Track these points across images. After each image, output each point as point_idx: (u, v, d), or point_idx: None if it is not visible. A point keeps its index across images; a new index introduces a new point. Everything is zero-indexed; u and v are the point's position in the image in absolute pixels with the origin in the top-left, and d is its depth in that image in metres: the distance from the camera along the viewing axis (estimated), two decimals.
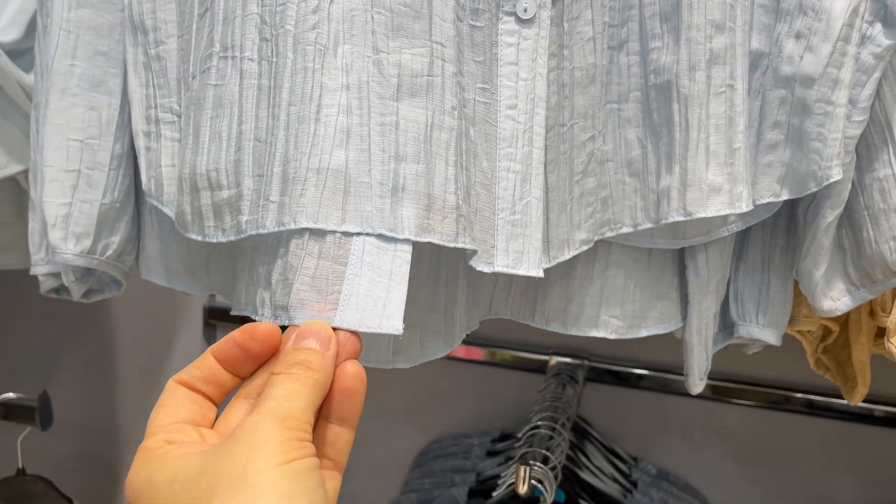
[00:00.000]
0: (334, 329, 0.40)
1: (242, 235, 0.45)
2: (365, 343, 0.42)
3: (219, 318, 1.10)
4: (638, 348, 0.95)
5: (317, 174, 0.43)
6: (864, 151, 0.53)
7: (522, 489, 0.69)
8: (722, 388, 0.93)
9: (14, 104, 0.68)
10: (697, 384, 0.60)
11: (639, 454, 0.98)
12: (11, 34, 0.66)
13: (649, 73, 0.51)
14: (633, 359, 0.96)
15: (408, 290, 0.43)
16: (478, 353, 1.01)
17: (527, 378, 0.99)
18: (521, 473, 0.69)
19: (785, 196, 0.53)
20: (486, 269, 0.46)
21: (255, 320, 0.43)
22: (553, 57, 0.49)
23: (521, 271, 0.47)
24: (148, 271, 0.61)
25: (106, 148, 0.56)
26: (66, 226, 0.56)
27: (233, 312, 0.52)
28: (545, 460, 0.74)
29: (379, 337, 0.51)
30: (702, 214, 0.50)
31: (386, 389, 1.06)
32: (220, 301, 1.10)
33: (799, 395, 0.91)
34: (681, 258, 0.58)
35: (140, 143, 0.54)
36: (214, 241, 0.47)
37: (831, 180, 0.50)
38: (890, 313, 0.55)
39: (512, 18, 0.47)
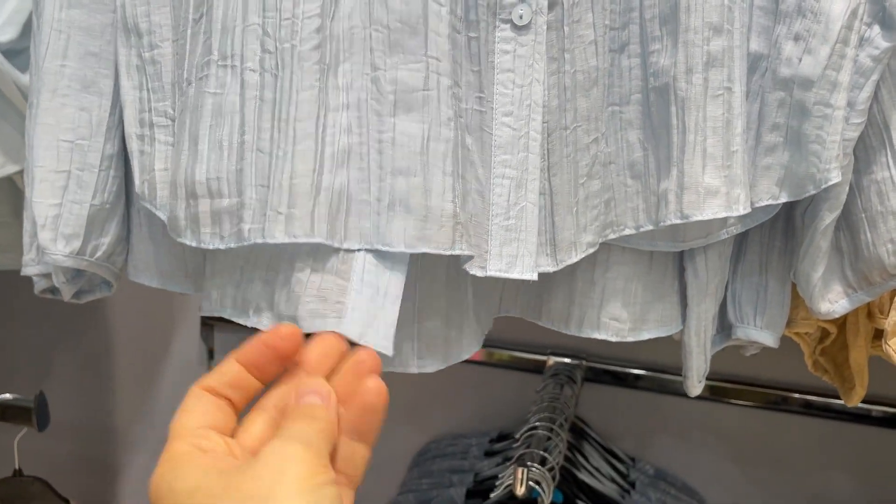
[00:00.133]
0: (352, 343, 0.41)
1: (244, 243, 0.46)
2: (386, 325, 0.46)
3: (216, 318, 1.09)
4: (636, 349, 0.95)
5: (321, 192, 0.46)
6: (862, 154, 0.53)
7: (520, 491, 0.69)
8: (720, 389, 0.93)
9: (10, 104, 0.68)
10: (696, 386, 0.60)
11: (637, 454, 0.98)
12: (8, 34, 0.66)
13: (649, 76, 0.51)
14: (630, 359, 0.96)
15: (428, 295, 0.49)
16: (476, 354, 1.00)
17: (525, 378, 0.99)
18: (519, 475, 0.69)
19: (784, 199, 0.53)
20: (480, 273, 0.48)
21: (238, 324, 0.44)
22: (553, 61, 0.49)
23: (514, 275, 0.48)
24: (137, 273, 0.60)
25: (96, 149, 0.56)
26: (56, 227, 0.55)
27: (205, 313, 0.54)
28: (543, 461, 0.74)
29: (401, 342, 0.52)
30: (698, 217, 0.50)
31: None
32: None
33: (797, 395, 0.91)
34: (681, 261, 0.58)
35: (133, 145, 0.54)
36: (211, 247, 0.48)
37: (830, 183, 0.50)
38: (888, 315, 0.55)
39: (508, 26, 0.47)
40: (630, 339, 0.58)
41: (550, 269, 0.51)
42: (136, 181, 0.54)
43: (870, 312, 0.60)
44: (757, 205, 0.53)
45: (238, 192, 0.47)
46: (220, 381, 0.39)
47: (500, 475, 0.76)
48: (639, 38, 0.51)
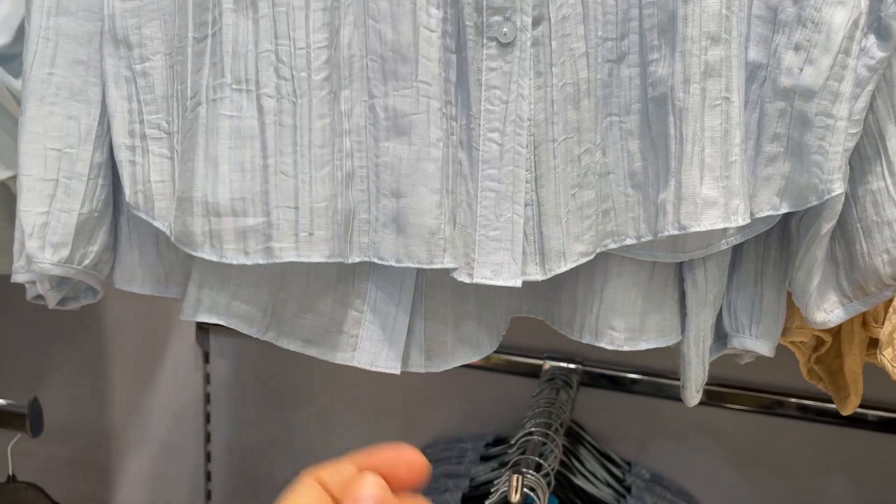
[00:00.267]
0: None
1: (275, 261, 0.50)
2: (395, 350, 0.54)
3: (212, 323, 1.09)
4: (632, 353, 0.95)
5: (337, 214, 0.50)
6: (858, 163, 0.53)
7: (515, 498, 0.69)
8: (716, 393, 0.93)
9: (4, 110, 0.68)
10: (694, 396, 0.60)
11: (633, 459, 0.98)
12: (0, 39, 0.66)
13: (648, 86, 0.51)
14: (627, 363, 0.96)
15: (435, 303, 0.55)
16: None
17: (521, 382, 0.99)
18: (514, 482, 0.69)
19: (784, 209, 0.52)
20: (467, 280, 0.51)
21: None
22: (539, 75, 0.50)
23: (499, 282, 0.51)
24: (123, 281, 0.61)
25: (85, 158, 0.56)
26: (44, 235, 0.56)
27: (187, 317, 0.56)
28: (538, 468, 0.74)
29: (409, 348, 0.57)
30: (696, 228, 0.49)
31: (380, 394, 1.06)
32: None
33: (793, 399, 0.91)
34: (680, 272, 0.58)
35: (122, 155, 0.55)
36: (234, 262, 0.51)
37: (833, 194, 0.50)
38: (882, 324, 0.55)
39: (494, 43, 0.49)
40: (626, 348, 0.59)
41: (539, 277, 0.52)
42: (127, 191, 0.55)
43: (864, 321, 0.60)
44: (757, 215, 0.53)
45: (265, 213, 0.50)
46: (334, 479, 0.38)
47: (495, 482, 0.75)
48: (638, 47, 0.51)
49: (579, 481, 0.89)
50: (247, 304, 0.56)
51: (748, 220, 0.51)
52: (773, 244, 0.59)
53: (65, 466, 1.17)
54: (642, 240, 0.53)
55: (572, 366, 0.96)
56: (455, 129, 0.50)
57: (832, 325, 0.56)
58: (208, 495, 1.15)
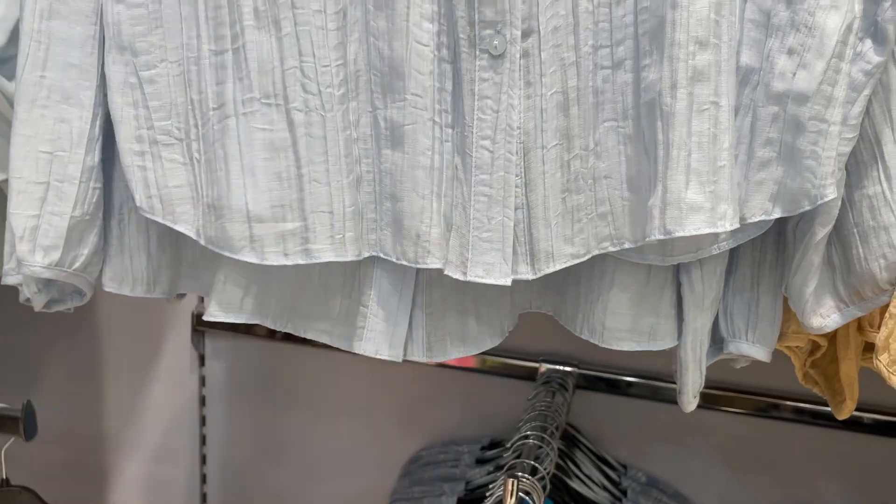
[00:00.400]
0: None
1: (314, 261, 0.55)
2: (397, 339, 0.59)
3: (207, 325, 1.09)
4: (628, 355, 0.94)
5: (357, 215, 0.55)
6: (854, 168, 0.53)
7: (510, 502, 0.69)
8: (712, 396, 0.93)
9: None
10: (691, 402, 0.60)
11: (629, 462, 0.98)
12: None
13: (641, 91, 0.51)
14: (623, 366, 0.96)
15: (434, 300, 0.59)
16: (468, 360, 1.00)
17: (517, 385, 0.99)
18: (509, 486, 0.69)
19: (777, 214, 0.53)
20: (461, 278, 0.54)
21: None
22: (529, 85, 0.52)
23: (490, 280, 0.54)
24: (112, 283, 0.61)
25: (77, 161, 0.56)
26: (34, 238, 0.56)
27: (214, 317, 0.60)
28: (533, 471, 0.74)
29: (412, 341, 0.60)
30: (680, 233, 0.50)
31: (376, 396, 1.06)
32: None
33: (789, 402, 0.91)
34: (678, 275, 0.58)
35: (130, 160, 0.56)
36: (275, 263, 0.55)
37: (826, 199, 0.50)
38: (878, 329, 0.55)
39: (486, 55, 0.51)
40: (617, 347, 0.60)
41: (529, 276, 0.55)
42: (139, 195, 0.56)
43: (860, 326, 0.60)
44: (750, 220, 0.53)
45: (302, 217, 0.54)
46: None
47: (490, 486, 0.75)
48: (633, 53, 0.51)
49: (575, 484, 0.88)
50: (270, 302, 0.60)
51: (736, 226, 0.51)
52: (770, 249, 0.59)
53: (59, 470, 1.17)
54: (638, 243, 0.54)
55: (568, 369, 0.96)
56: (450, 135, 0.53)
57: (829, 331, 0.56)
58: (203, 498, 1.15)
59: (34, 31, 0.54)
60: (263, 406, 1.11)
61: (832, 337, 0.63)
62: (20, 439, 0.83)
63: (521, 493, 0.70)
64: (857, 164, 0.53)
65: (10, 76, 0.66)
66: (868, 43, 0.49)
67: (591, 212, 0.55)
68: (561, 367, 0.96)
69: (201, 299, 1.09)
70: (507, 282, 0.54)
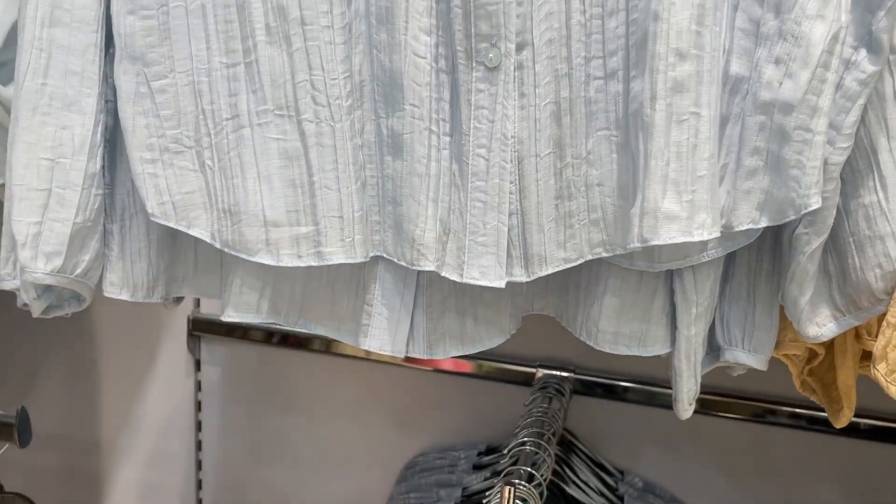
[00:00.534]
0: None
1: (326, 263, 0.58)
2: (400, 336, 0.62)
3: (203, 329, 1.09)
4: (625, 360, 0.95)
5: (364, 219, 0.58)
6: (850, 177, 0.53)
7: None
8: (709, 401, 0.93)
9: None
10: (686, 409, 0.60)
11: (625, 467, 0.98)
12: None
13: (629, 101, 0.52)
14: (620, 371, 0.96)
15: (434, 301, 0.61)
16: (464, 365, 1.00)
17: (513, 390, 0.98)
18: (506, 494, 0.69)
19: (764, 223, 0.53)
20: (457, 279, 0.56)
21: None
22: (523, 96, 0.54)
23: (485, 283, 0.56)
24: (114, 289, 0.62)
25: (79, 167, 0.57)
26: (36, 245, 0.56)
27: (230, 318, 0.62)
28: (530, 478, 0.74)
29: (414, 338, 0.63)
30: (655, 241, 0.51)
31: (372, 402, 1.06)
32: (205, 312, 1.09)
33: (785, 407, 0.91)
34: (671, 282, 0.58)
35: (141, 168, 0.57)
36: (290, 265, 0.58)
37: (809, 209, 0.51)
38: (876, 337, 0.55)
39: (482, 67, 0.53)
40: (616, 351, 0.61)
41: (523, 279, 0.57)
42: (151, 202, 0.58)
43: (858, 334, 0.60)
44: (737, 228, 0.54)
45: (314, 222, 0.57)
46: None
47: (487, 493, 0.75)
48: (625, 64, 0.52)
49: (572, 490, 0.88)
50: (282, 302, 0.63)
51: (715, 235, 0.52)
52: (766, 257, 0.59)
53: (54, 476, 1.16)
54: (626, 250, 0.55)
55: (565, 374, 0.96)
56: (447, 143, 0.55)
57: (825, 339, 0.56)
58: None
59: (36, 38, 0.55)
60: (259, 411, 1.11)
61: (830, 345, 0.63)
62: (14, 446, 0.82)
63: (518, 501, 0.70)
64: (854, 174, 0.53)
65: (6, 81, 0.65)
66: (863, 52, 0.49)
67: (583, 218, 0.56)
68: (558, 373, 0.96)
69: (197, 304, 1.09)
70: (502, 284, 0.56)
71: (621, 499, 0.93)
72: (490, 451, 0.98)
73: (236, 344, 1.09)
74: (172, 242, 0.63)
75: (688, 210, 0.51)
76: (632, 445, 0.98)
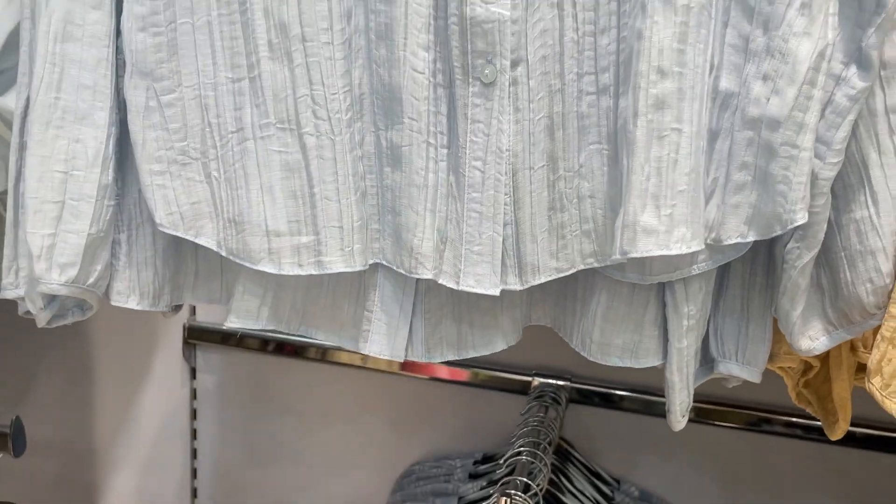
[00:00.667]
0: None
1: (326, 272, 0.59)
2: (399, 341, 0.63)
3: (199, 337, 1.09)
4: (621, 369, 0.94)
5: (364, 228, 0.60)
6: (842, 192, 0.53)
7: None
8: (704, 410, 0.93)
9: None
10: (680, 421, 0.60)
11: (622, 476, 0.98)
12: None
13: (618, 116, 0.53)
14: (616, 380, 0.96)
15: (432, 306, 0.62)
16: (461, 374, 1.00)
17: (510, 399, 0.98)
18: None
19: (752, 237, 0.54)
20: (454, 286, 0.58)
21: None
22: (518, 111, 0.55)
23: (481, 290, 0.57)
24: (121, 297, 0.63)
25: (93, 179, 0.58)
26: (51, 256, 0.58)
27: (234, 325, 0.63)
28: (526, 488, 0.74)
29: (412, 343, 0.64)
30: (633, 254, 0.52)
31: (368, 410, 1.06)
32: (201, 320, 1.08)
33: (782, 416, 0.91)
34: (663, 294, 0.59)
35: (149, 180, 0.59)
36: (291, 273, 0.59)
37: (795, 224, 0.51)
38: (870, 350, 0.55)
39: (478, 82, 0.54)
40: (609, 362, 0.62)
41: (517, 287, 0.59)
42: (160, 212, 0.59)
43: (853, 346, 0.60)
44: (726, 242, 0.54)
45: (315, 232, 0.58)
46: None
47: (483, 501, 0.75)
48: (615, 80, 0.53)
49: (568, 500, 0.88)
50: (283, 309, 0.64)
51: (695, 248, 0.53)
52: (760, 270, 0.59)
53: (49, 484, 1.16)
54: (611, 261, 0.56)
55: (561, 382, 0.96)
56: (445, 155, 0.57)
57: (818, 353, 0.56)
58: None
59: (49, 53, 0.56)
60: (255, 420, 1.10)
61: (825, 357, 0.63)
62: (9, 456, 0.82)
63: None
64: (845, 188, 0.53)
65: (3, 90, 0.66)
66: (853, 68, 0.49)
67: (575, 229, 0.58)
68: (554, 381, 0.96)
69: (193, 311, 1.09)
70: (497, 291, 0.57)
71: None
72: (486, 459, 0.98)
73: (232, 352, 1.09)
74: (176, 251, 0.65)
75: (666, 224, 0.52)
76: (628, 454, 0.98)
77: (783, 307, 0.55)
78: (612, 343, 0.60)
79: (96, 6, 0.56)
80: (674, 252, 0.52)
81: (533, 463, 0.79)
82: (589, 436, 0.98)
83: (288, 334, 1.00)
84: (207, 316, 1.08)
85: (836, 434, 0.66)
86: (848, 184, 0.52)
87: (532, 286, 0.59)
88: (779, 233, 0.52)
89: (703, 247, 0.53)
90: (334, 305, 0.64)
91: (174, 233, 0.60)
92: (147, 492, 1.15)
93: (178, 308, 0.69)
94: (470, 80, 0.54)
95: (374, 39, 0.55)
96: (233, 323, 0.63)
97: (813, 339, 0.56)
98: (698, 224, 0.53)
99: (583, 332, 0.62)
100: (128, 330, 1.10)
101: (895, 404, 0.53)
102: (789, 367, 0.65)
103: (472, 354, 0.64)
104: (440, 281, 0.58)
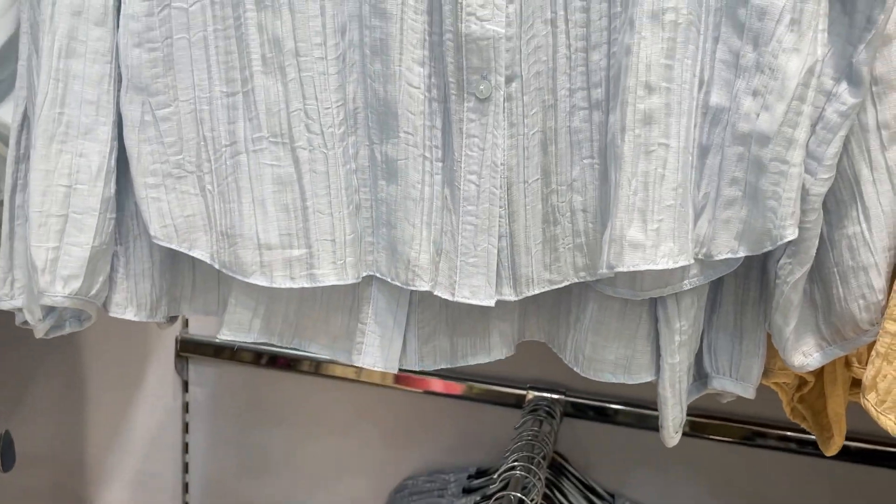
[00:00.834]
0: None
1: (318, 285, 0.59)
2: (393, 353, 0.63)
3: (191, 350, 1.08)
4: (615, 383, 0.95)
5: (357, 241, 0.60)
6: (834, 207, 0.53)
7: None
8: (699, 424, 0.93)
9: None
10: (673, 437, 0.60)
11: (616, 490, 0.97)
12: None
13: (608, 131, 0.54)
14: (610, 393, 0.96)
15: (425, 317, 0.63)
16: (455, 388, 1.00)
17: (504, 412, 0.98)
18: None
19: (743, 253, 0.54)
20: (449, 298, 0.58)
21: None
22: (512, 126, 0.56)
23: (476, 301, 0.58)
24: (119, 308, 0.63)
25: (97, 193, 0.59)
26: (55, 269, 0.58)
27: (227, 337, 0.64)
28: None
29: (406, 352, 0.64)
30: (620, 269, 0.53)
31: (361, 424, 1.05)
32: (193, 333, 1.08)
33: (776, 430, 0.91)
34: (655, 310, 0.58)
35: (145, 193, 0.59)
36: (283, 286, 0.59)
37: (785, 240, 0.51)
38: (865, 366, 0.55)
39: (473, 98, 0.55)
40: (601, 378, 0.61)
41: (512, 298, 0.59)
42: (155, 225, 0.60)
43: (847, 361, 0.60)
44: (716, 258, 0.54)
45: (307, 245, 0.59)
46: None
47: None
48: (606, 95, 0.54)
49: None
50: (276, 321, 0.64)
51: (683, 263, 0.53)
52: (753, 285, 0.59)
53: (39, 498, 1.15)
54: (598, 275, 0.57)
55: (556, 396, 0.95)
56: (440, 168, 0.57)
57: (811, 369, 0.56)
58: None
59: (52, 69, 0.57)
60: (247, 433, 1.10)
61: (819, 373, 0.63)
62: None
63: None
64: (837, 204, 0.53)
65: None
66: (843, 84, 0.49)
67: (568, 242, 0.58)
68: (548, 395, 0.96)
69: (185, 324, 1.08)
70: (491, 302, 0.58)
71: None
72: (480, 474, 0.98)
73: (224, 365, 1.08)
74: (173, 263, 0.65)
75: (653, 239, 0.52)
76: (623, 468, 0.98)
77: (776, 323, 0.55)
78: (605, 359, 0.60)
79: (99, 23, 0.57)
80: (660, 267, 0.52)
81: (527, 477, 0.79)
82: (583, 450, 0.98)
83: (281, 347, 1.00)
84: (200, 329, 1.08)
85: (831, 450, 0.65)
86: (840, 199, 0.52)
87: (526, 300, 0.60)
88: (769, 248, 0.52)
89: (691, 262, 0.54)
90: (328, 318, 0.64)
91: (168, 245, 0.60)
92: None
93: (173, 319, 0.70)
94: (465, 95, 0.54)
95: (369, 54, 0.56)
96: (225, 335, 0.64)
97: (806, 354, 0.56)
98: (686, 239, 0.53)
99: (575, 347, 0.62)
100: (120, 342, 1.10)
101: (890, 420, 0.53)
102: (784, 383, 0.64)
103: (465, 363, 0.65)
104: (436, 293, 0.58)
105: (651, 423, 0.94)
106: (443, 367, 0.65)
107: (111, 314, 0.64)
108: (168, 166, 0.59)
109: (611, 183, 0.53)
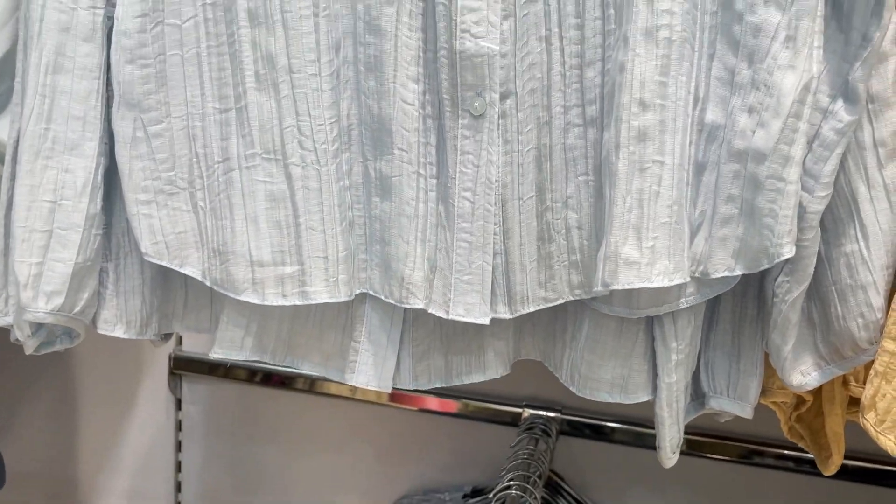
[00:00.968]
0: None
1: (310, 302, 0.59)
2: (387, 372, 0.63)
3: (185, 368, 1.07)
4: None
5: (350, 259, 0.59)
6: (832, 225, 0.53)
7: None
8: (696, 442, 0.92)
9: None
10: (670, 458, 0.60)
11: None
12: None
13: (602, 148, 0.53)
14: (607, 411, 0.95)
15: (419, 335, 0.62)
16: (450, 406, 0.99)
17: (500, 430, 0.97)
18: None
19: (740, 271, 0.53)
20: (444, 315, 0.58)
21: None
22: (507, 143, 0.55)
23: (471, 319, 0.57)
24: (108, 325, 0.63)
25: (81, 209, 0.58)
26: (38, 285, 0.58)
27: (217, 355, 0.63)
28: None
29: (401, 372, 0.64)
30: (615, 286, 0.52)
31: (356, 442, 1.04)
32: (187, 350, 1.07)
33: (773, 449, 0.90)
34: (652, 329, 0.58)
35: (136, 210, 0.59)
36: (275, 304, 0.59)
37: (782, 257, 0.51)
38: (863, 384, 0.54)
39: (468, 115, 0.54)
40: (598, 398, 0.61)
41: (507, 316, 0.59)
42: (145, 241, 0.59)
43: (845, 380, 0.59)
44: (713, 276, 0.54)
45: (299, 262, 0.58)
46: None
47: None
48: (600, 112, 0.54)
49: None
50: (269, 339, 0.64)
51: (678, 281, 0.53)
52: (751, 304, 0.59)
53: None
54: (592, 293, 0.56)
55: (552, 414, 0.95)
56: (434, 185, 0.57)
57: (809, 388, 0.56)
58: None
59: (39, 84, 0.56)
60: (241, 452, 1.09)
61: (817, 392, 0.63)
62: None
63: None
64: (835, 222, 0.52)
65: None
66: (840, 102, 0.49)
67: (563, 260, 0.58)
68: (544, 413, 0.95)
69: (179, 342, 1.08)
70: (486, 320, 0.57)
71: None
72: (475, 493, 0.97)
73: (218, 382, 1.07)
74: (164, 280, 0.65)
75: (648, 256, 0.52)
76: (619, 487, 0.97)
77: (774, 342, 0.55)
78: (601, 378, 0.60)
79: (87, 39, 0.57)
80: (655, 285, 0.52)
81: (523, 497, 0.78)
82: (580, 468, 0.97)
83: (275, 365, 0.99)
84: (193, 346, 1.07)
85: (830, 469, 0.65)
86: (837, 217, 0.52)
87: (521, 318, 0.59)
88: (766, 266, 0.52)
89: (687, 280, 0.53)
90: (321, 336, 0.64)
91: (159, 262, 0.60)
92: None
93: (167, 337, 0.69)
94: (459, 112, 0.54)
95: (363, 71, 0.56)
96: (217, 353, 0.63)
97: (804, 374, 0.56)
98: (681, 257, 0.53)
99: (571, 365, 0.62)
100: (113, 360, 1.09)
101: (889, 440, 0.52)
102: (782, 402, 0.64)
103: (460, 382, 0.64)
104: (430, 310, 0.58)
105: (648, 442, 0.93)
106: (437, 385, 0.64)
107: (99, 331, 0.63)
108: (160, 183, 0.59)
109: (605, 200, 0.53)
